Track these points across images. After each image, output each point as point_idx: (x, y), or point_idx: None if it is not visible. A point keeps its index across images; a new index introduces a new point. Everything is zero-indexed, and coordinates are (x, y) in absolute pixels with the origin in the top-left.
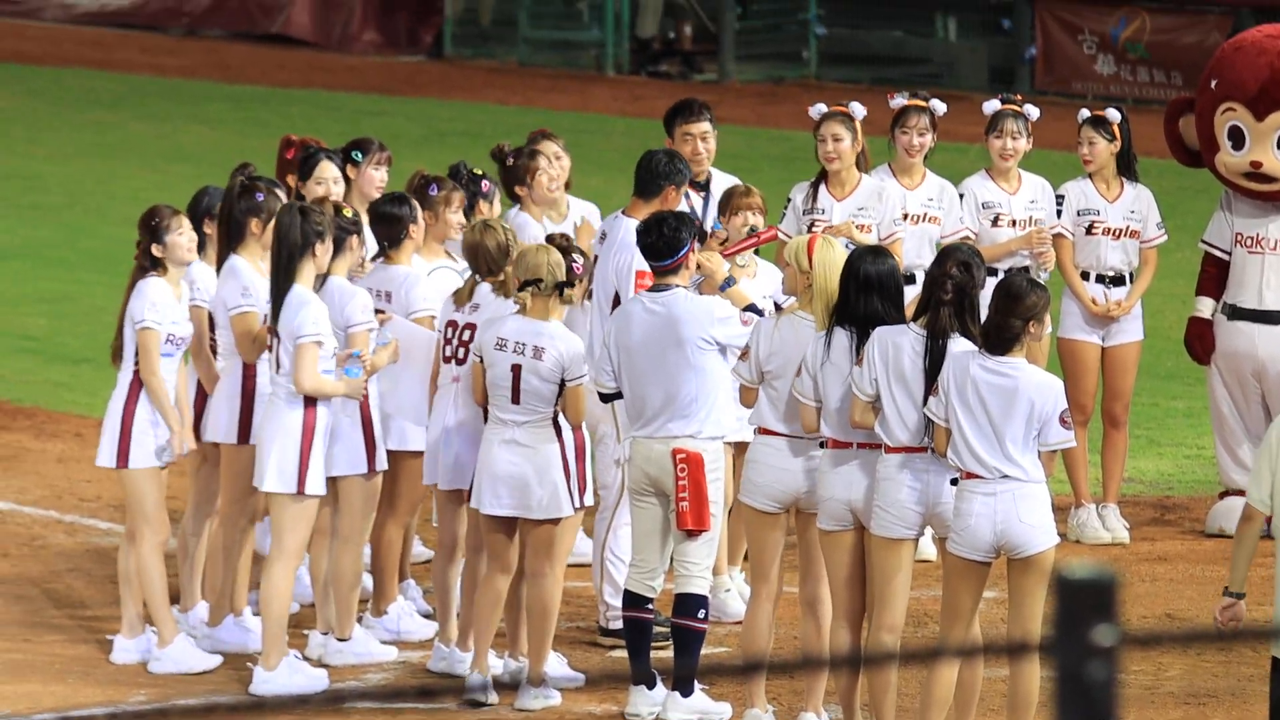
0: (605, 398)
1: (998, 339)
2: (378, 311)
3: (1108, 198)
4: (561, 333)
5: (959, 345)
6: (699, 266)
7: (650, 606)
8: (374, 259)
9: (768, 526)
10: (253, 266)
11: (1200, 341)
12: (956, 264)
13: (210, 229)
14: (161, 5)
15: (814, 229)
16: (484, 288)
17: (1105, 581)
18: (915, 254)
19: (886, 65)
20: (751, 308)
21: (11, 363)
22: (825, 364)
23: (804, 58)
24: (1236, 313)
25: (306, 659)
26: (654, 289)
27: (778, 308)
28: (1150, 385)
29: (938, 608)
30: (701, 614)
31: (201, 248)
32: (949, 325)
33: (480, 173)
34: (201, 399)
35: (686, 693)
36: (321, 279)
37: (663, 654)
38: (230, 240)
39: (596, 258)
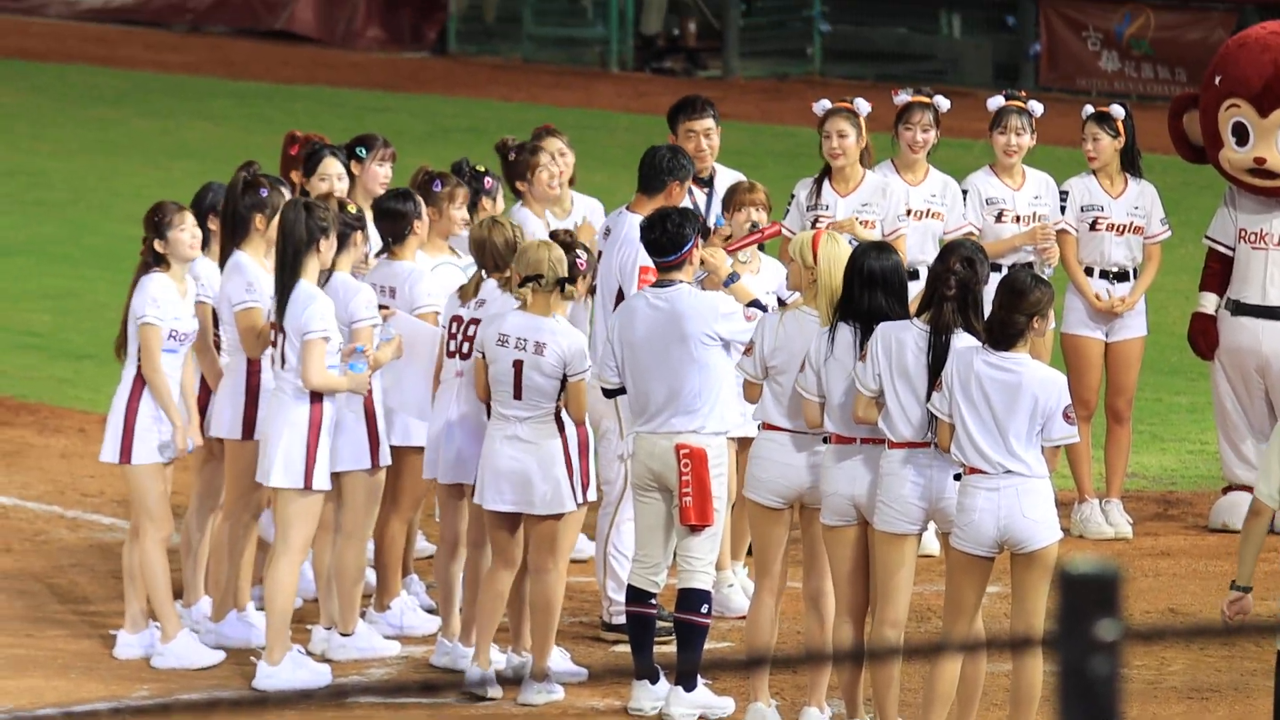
0: (608, 393)
1: (1001, 334)
2: (382, 307)
3: (1112, 194)
4: (563, 328)
5: (962, 341)
6: (703, 262)
7: (653, 601)
8: (378, 255)
9: (771, 522)
10: (257, 262)
11: (1204, 337)
12: (960, 260)
13: (214, 225)
14: (165, 1)
15: (818, 225)
16: (490, 284)
17: (1108, 576)
18: (919, 250)
19: (891, 61)
20: (755, 303)
21: (15, 358)
22: (829, 359)
23: (808, 54)
24: (1240, 308)
25: (310, 654)
26: (658, 284)
27: (781, 303)
28: (1154, 380)
29: (941, 603)
30: (704, 609)
31: (205, 244)
32: (952, 321)
33: (483, 169)
34: (205, 394)
35: (689, 687)
36: (326, 275)
37: (666, 649)
38: (234, 236)
39: (600, 253)
